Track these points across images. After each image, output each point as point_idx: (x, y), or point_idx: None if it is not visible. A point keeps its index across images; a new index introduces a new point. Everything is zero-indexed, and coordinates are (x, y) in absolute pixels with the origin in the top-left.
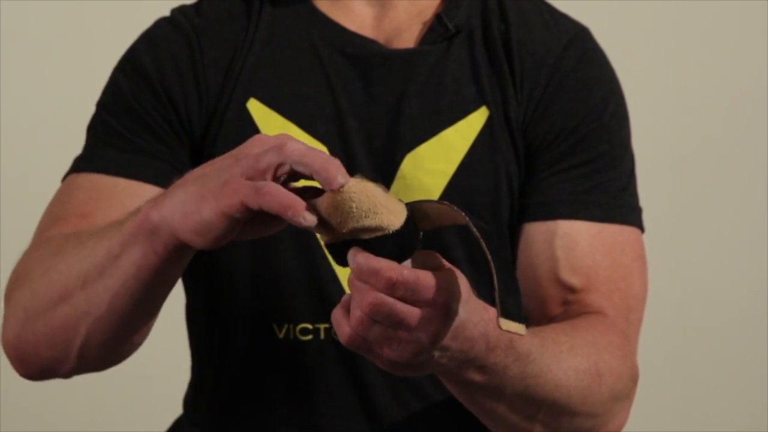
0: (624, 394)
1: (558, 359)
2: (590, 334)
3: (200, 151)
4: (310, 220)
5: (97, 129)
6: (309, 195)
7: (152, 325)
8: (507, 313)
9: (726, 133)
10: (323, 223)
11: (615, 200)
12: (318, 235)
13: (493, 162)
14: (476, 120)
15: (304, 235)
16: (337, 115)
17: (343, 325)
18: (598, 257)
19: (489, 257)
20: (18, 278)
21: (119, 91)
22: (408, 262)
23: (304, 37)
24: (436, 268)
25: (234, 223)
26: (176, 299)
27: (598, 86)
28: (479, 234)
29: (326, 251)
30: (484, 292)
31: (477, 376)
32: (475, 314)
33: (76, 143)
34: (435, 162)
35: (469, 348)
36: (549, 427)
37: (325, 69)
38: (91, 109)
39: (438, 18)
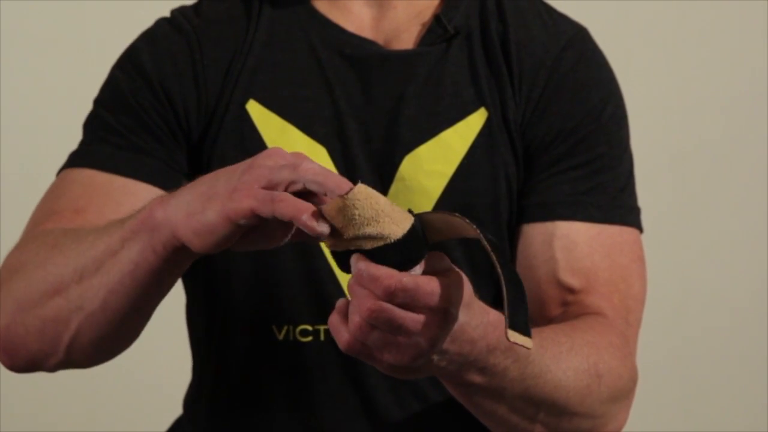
0: (623, 395)
1: (557, 360)
2: (590, 335)
3: (199, 152)
4: (323, 227)
5: (93, 125)
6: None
7: (141, 329)
8: (515, 326)
9: (726, 133)
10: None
11: (614, 201)
12: (322, 243)
13: (491, 163)
14: (475, 121)
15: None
16: (336, 116)
17: (342, 331)
18: (597, 258)
19: (499, 271)
20: (10, 269)
21: (117, 89)
22: (418, 269)
23: (303, 39)
24: (442, 270)
25: (236, 229)
26: (176, 299)
27: (597, 87)
28: (490, 248)
29: (331, 258)
30: (483, 293)
31: (477, 378)
32: (474, 317)
33: (75, 141)
34: (434, 163)
35: (469, 351)
36: (549, 428)
37: (324, 70)
38: (89, 108)
39: (437, 19)
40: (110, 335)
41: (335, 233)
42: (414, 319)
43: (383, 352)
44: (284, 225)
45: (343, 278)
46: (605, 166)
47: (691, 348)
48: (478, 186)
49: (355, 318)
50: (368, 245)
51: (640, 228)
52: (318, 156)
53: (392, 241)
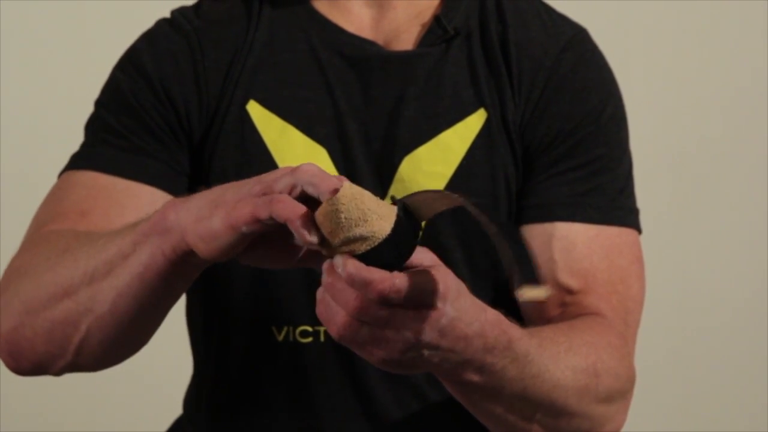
0: (621, 395)
1: (556, 360)
2: (588, 335)
3: (200, 153)
4: (312, 237)
5: (95, 127)
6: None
7: (151, 335)
8: (523, 281)
9: (725, 133)
10: (322, 240)
11: (613, 202)
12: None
13: (491, 164)
14: (474, 122)
15: None
16: (336, 117)
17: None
18: (595, 259)
19: (492, 231)
20: (17, 272)
21: (118, 90)
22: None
23: (303, 39)
24: (428, 265)
25: (240, 237)
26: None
27: (596, 88)
28: (477, 212)
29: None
30: (482, 294)
31: (475, 377)
32: (467, 314)
33: (76, 143)
34: (433, 164)
35: (463, 348)
36: (547, 428)
37: (325, 71)
38: (90, 110)
39: (437, 20)
40: (119, 339)
41: (327, 242)
42: (401, 314)
43: (374, 347)
44: (291, 244)
45: None
46: (604, 167)
47: (691, 348)
48: (477, 187)
49: (341, 317)
50: (359, 248)
51: (638, 229)
52: (318, 157)
53: (382, 239)
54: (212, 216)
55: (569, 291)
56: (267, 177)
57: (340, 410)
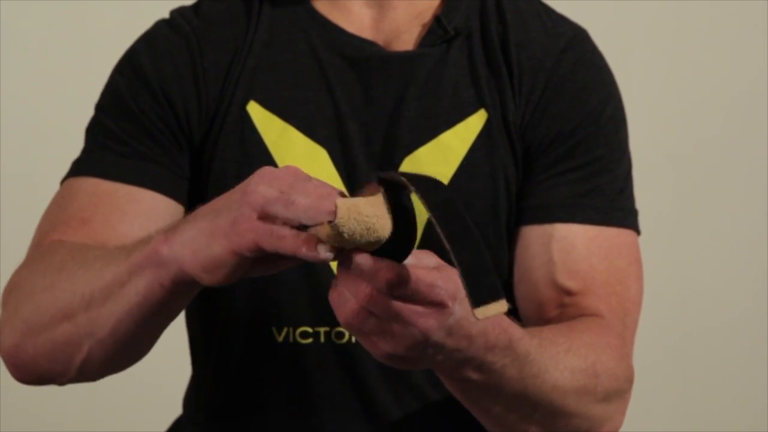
0: (620, 395)
1: (556, 360)
2: (588, 336)
3: (200, 155)
4: (326, 254)
5: (95, 132)
6: None
7: (153, 345)
8: (480, 298)
9: (725, 133)
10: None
11: (612, 203)
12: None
13: (491, 165)
14: (474, 123)
15: None
16: (336, 118)
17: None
18: (594, 261)
19: (449, 240)
20: (18, 287)
21: (118, 94)
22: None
23: (304, 39)
24: (433, 266)
25: (244, 261)
26: None
27: (596, 89)
28: (436, 215)
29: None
30: None
31: (475, 375)
32: (471, 313)
33: (76, 144)
34: (433, 165)
35: (466, 346)
36: (545, 428)
37: (325, 72)
38: (90, 110)
39: (437, 20)
40: (121, 355)
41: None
42: (411, 309)
43: (379, 339)
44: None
45: None
46: (604, 168)
47: (691, 348)
48: (477, 187)
49: (352, 303)
50: (368, 249)
51: (637, 230)
52: (318, 158)
53: (387, 236)
54: (211, 245)
55: (568, 292)
56: (253, 188)
57: (340, 410)
